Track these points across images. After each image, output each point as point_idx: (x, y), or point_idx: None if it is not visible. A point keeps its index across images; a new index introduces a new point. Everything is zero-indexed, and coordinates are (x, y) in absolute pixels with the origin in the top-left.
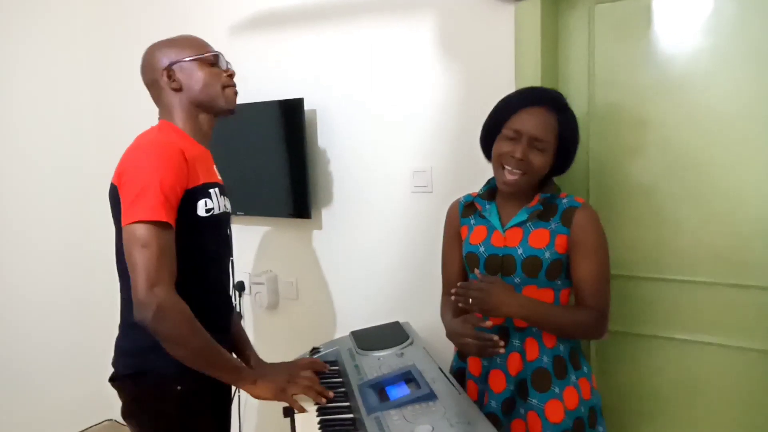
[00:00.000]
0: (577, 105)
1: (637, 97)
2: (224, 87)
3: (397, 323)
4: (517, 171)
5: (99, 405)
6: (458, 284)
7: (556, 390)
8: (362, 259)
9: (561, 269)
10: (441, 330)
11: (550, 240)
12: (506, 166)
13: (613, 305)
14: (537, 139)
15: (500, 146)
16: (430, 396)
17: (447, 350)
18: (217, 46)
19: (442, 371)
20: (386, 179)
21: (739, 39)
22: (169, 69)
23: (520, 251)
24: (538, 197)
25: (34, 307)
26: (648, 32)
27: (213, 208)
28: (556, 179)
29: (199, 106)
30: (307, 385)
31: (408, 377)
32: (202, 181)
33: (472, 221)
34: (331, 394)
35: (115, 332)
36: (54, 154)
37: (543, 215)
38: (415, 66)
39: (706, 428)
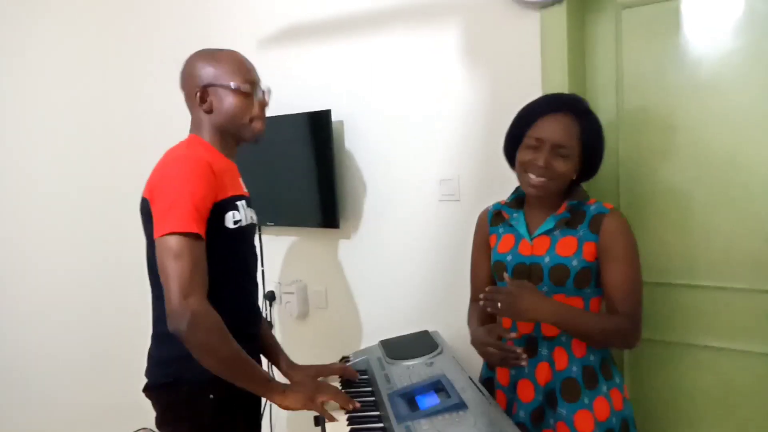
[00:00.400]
0: (606, 110)
1: (666, 100)
2: (252, 119)
3: (426, 332)
4: (539, 175)
5: (131, 414)
6: (487, 288)
7: (586, 400)
8: (391, 268)
9: (590, 277)
10: (469, 340)
11: (578, 248)
12: (530, 174)
13: (645, 312)
14: (560, 145)
15: (523, 154)
16: (461, 405)
17: (476, 359)
18: None
19: (472, 380)
20: (413, 188)
21: None
22: (203, 90)
23: (547, 260)
24: (565, 205)
25: (64, 316)
26: (676, 35)
27: (240, 220)
28: (585, 184)
29: (225, 131)
30: (335, 391)
31: (438, 386)
32: (230, 193)
33: (501, 230)
34: (357, 404)
35: (146, 341)
36: (82, 164)
37: (571, 223)
38: (441, 75)
39: None
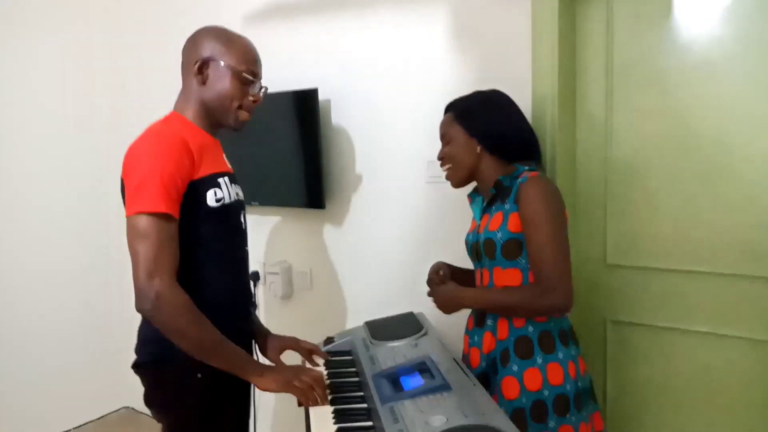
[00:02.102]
0: (596, 95)
1: (657, 85)
2: (240, 107)
3: (411, 313)
4: (442, 168)
5: (115, 393)
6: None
7: (515, 368)
8: (376, 250)
9: (520, 248)
10: (455, 320)
11: (503, 221)
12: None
13: (630, 296)
14: (441, 136)
15: None
16: (445, 386)
17: (461, 341)
18: None
19: (457, 362)
20: (401, 169)
21: (760, 24)
22: (204, 61)
23: (482, 236)
24: (494, 182)
25: (50, 296)
26: (667, 20)
27: (223, 198)
28: (569, 169)
29: (210, 109)
30: (312, 383)
31: (422, 367)
32: (209, 171)
33: (472, 212)
34: (327, 403)
35: (130, 321)
36: (62, 150)
37: (501, 197)
38: (429, 56)
39: (722, 420)
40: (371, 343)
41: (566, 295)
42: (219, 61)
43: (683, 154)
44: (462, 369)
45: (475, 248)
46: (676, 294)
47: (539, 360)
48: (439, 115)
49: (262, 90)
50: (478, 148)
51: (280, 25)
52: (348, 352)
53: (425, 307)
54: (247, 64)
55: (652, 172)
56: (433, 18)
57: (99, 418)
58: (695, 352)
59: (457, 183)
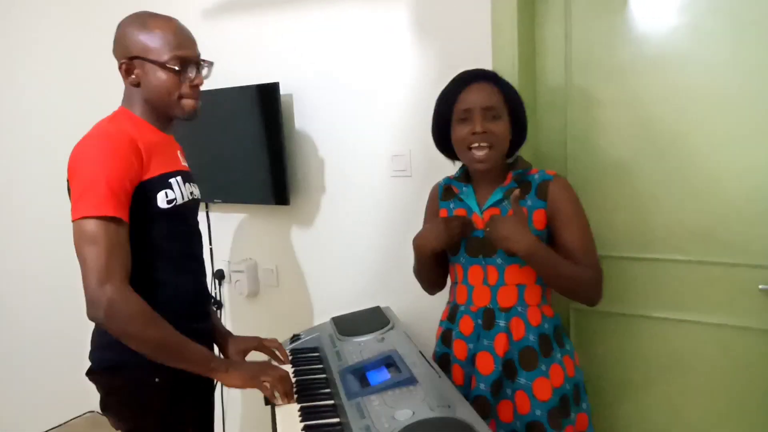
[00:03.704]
0: (555, 84)
1: (614, 75)
2: (181, 97)
3: (378, 308)
4: (484, 144)
5: (80, 397)
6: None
7: (543, 368)
8: (342, 245)
9: None
10: (422, 314)
11: (527, 217)
12: (472, 146)
13: None
14: (488, 108)
15: (458, 131)
16: (411, 380)
17: (429, 334)
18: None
19: (423, 355)
20: (365, 164)
21: (715, 16)
22: (129, 62)
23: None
24: (510, 175)
25: (13, 301)
26: (624, 10)
27: (175, 199)
28: (534, 159)
29: (153, 105)
30: (278, 379)
31: (388, 362)
32: (160, 171)
33: (452, 205)
34: (293, 400)
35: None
36: (44, 152)
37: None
38: (392, 49)
39: (686, 404)
40: (338, 338)
41: (602, 289)
42: (142, 58)
43: (643, 143)
44: (428, 362)
45: (478, 243)
46: (638, 282)
47: (558, 355)
48: (402, 110)
49: (205, 70)
50: (510, 133)
51: (239, 19)
52: (315, 349)
53: (392, 301)
54: (172, 51)
55: (612, 162)
56: (395, 10)
57: (64, 423)
58: (659, 338)
59: (492, 166)
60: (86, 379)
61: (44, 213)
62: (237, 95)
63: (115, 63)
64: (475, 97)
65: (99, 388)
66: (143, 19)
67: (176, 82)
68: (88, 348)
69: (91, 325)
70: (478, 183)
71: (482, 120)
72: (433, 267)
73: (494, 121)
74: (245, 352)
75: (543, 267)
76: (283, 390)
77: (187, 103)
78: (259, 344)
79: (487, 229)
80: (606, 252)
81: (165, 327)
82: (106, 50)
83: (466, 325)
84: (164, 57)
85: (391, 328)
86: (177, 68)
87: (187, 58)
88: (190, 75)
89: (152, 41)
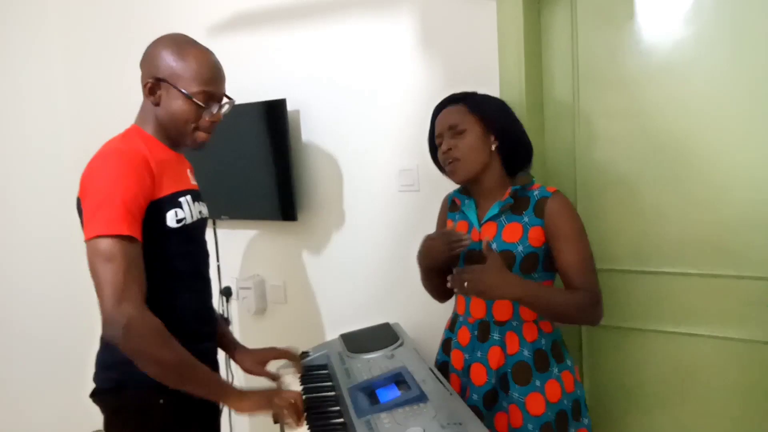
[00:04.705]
0: (563, 97)
1: (621, 86)
2: (197, 129)
3: (386, 324)
4: (451, 159)
5: (84, 418)
6: (454, 270)
7: (537, 383)
8: (350, 260)
9: (537, 262)
10: (432, 328)
11: (523, 234)
12: (446, 164)
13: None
14: (451, 126)
15: (438, 155)
16: (421, 397)
17: (437, 350)
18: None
19: (433, 372)
20: (372, 179)
21: (720, 26)
22: (155, 82)
23: (494, 246)
24: (509, 191)
25: (15, 319)
26: (630, 22)
27: (185, 218)
28: (542, 169)
29: (166, 128)
30: (292, 402)
31: (398, 379)
32: (170, 190)
33: (457, 216)
34: (302, 425)
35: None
36: (40, 159)
37: (516, 208)
38: (398, 64)
39: (695, 419)
40: (347, 355)
41: (602, 309)
42: (169, 83)
43: (650, 155)
44: (438, 378)
45: (476, 255)
46: (645, 295)
47: (555, 370)
48: (410, 124)
49: (225, 108)
50: (494, 146)
51: (246, 36)
52: (324, 366)
53: (401, 317)
54: (202, 86)
55: (620, 173)
56: (400, 25)
57: None
58: (666, 353)
59: (465, 178)
60: (89, 399)
61: (48, 232)
62: (244, 112)
63: (116, 67)
64: (442, 121)
65: (103, 409)
66: (180, 45)
67: (197, 115)
68: (92, 368)
69: (96, 346)
70: (479, 197)
71: (448, 140)
72: (435, 278)
73: (457, 137)
74: (265, 363)
75: (536, 303)
76: (296, 415)
77: (201, 135)
78: (278, 353)
79: (470, 286)
80: (613, 266)
81: (180, 349)
82: (107, 52)
83: (463, 335)
84: (192, 89)
85: (401, 345)
86: (201, 103)
87: (214, 95)
88: (212, 111)
89: (184, 70)
